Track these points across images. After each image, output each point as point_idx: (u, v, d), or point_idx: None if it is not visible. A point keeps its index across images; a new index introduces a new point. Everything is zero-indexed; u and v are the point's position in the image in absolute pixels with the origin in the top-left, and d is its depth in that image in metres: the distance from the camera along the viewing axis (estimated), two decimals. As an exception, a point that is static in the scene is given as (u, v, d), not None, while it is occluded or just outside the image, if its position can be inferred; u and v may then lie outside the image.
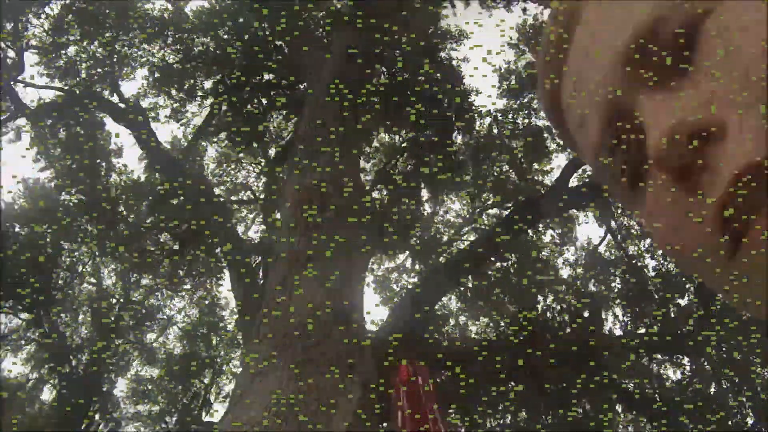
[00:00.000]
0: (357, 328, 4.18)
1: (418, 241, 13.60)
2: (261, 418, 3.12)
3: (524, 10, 13.45)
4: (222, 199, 12.42)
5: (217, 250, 13.63)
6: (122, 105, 12.01)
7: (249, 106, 12.49)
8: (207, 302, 15.08)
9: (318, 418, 3.19)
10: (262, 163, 13.73)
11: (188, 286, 14.87)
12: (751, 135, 0.47)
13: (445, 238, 14.28)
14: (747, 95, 0.47)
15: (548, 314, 12.77)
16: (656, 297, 12.62)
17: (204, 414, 14.62)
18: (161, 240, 13.56)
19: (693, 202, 0.52)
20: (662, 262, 12.67)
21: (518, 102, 13.69)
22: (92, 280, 14.23)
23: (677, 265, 0.65)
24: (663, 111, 0.54)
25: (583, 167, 12.38)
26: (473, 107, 12.79)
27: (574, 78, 0.64)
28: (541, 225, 13.37)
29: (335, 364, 3.67)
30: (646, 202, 0.58)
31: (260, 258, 10.87)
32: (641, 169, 0.57)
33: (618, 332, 12.78)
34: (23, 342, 14.08)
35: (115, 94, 12.14)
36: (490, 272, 13.19)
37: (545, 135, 13.53)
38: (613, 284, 13.53)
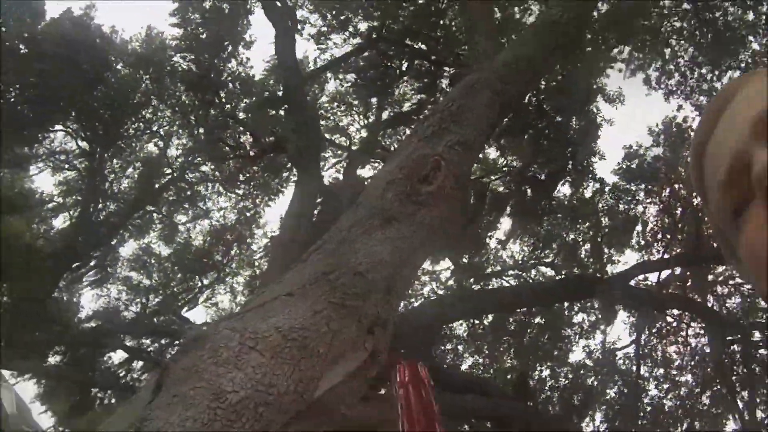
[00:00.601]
0: (393, 305, 4.06)
1: (466, 259, 13.57)
2: (271, 329, 2.97)
3: (679, 107, 13.46)
4: (319, 131, 12.36)
5: (286, 174, 13.76)
6: (278, 2, 12.01)
7: (389, 63, 12.49)
8: (248, 214, 15.12)
9: (319, 358, 3.10)
10: (370, 119, 13.71)
11: (240, 192, 14.93)
12: None
13: (489, 269, 14.14)
14: None
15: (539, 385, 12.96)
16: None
17: (185, 310, 14.71)
18: (242, 138, 13.63)
19: None
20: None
21: (629, 185, 13.59)
22: (160, 143, 14.31)
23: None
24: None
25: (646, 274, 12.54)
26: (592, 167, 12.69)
27: (719, 140, 0.73)
28: (578, 305, 13.50)
29: (360, 323, 3.54)
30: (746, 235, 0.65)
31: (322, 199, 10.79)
32: (745, 204, 0.65)
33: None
34: (67, 166, 14.17)
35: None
36: (511, 319, 13.32)
37: (637, 228, 13.45)
38: (608, 390, 13.52)
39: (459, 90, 5.95)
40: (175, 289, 14.80)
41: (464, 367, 13.46)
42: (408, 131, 12.70)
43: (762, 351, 12.63)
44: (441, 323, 10.63)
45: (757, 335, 12.54)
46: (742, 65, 12.04)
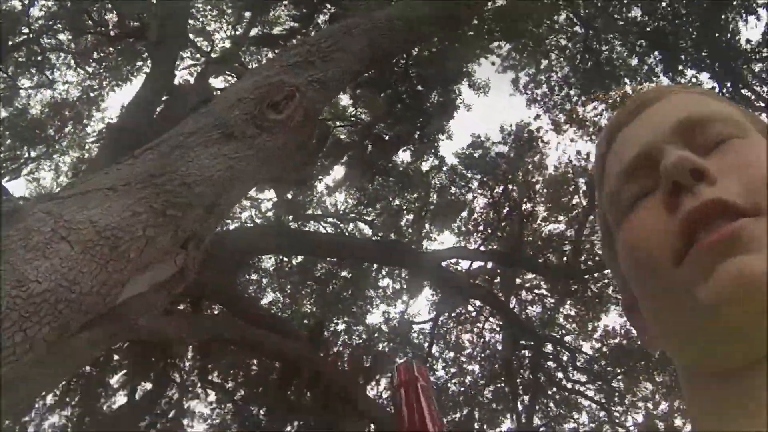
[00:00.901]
0: (212, 224, 3.95)
1: (291, 195, 13.52)
2: (86, 222, 2.76)
3: (537, 116, 13.92)
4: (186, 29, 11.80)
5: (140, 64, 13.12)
6: None
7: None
8: (92, 94, 14.39)
9: (129, 263, 2.95)
10: (238, 32, 13.30)
11: (90, 69, 14.12)
12: (731, 189, 0.61)
13: (310, 211, 14.18)
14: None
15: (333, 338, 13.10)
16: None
17: (7, 179, 13.79)
18: (107, 15, 12.88)
19: (670, 216, 0.64)
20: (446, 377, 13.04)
21: (466, 171, 13.99)
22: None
23: (637, 268, 0.70)
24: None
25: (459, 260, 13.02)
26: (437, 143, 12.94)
27: (631, 133, 0.79)
28: (386, 269, 13.80)
29: (176, 235, 3.40)
30: (633, 221, 0.71)
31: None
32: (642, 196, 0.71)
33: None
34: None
35: None
36: (319, 266, 13.39)
37: (463, 214, 13.92)
38: (397, 359, 13.85)
39: (335, 30, 5.85)
40: (1, 155, 13.80)
41: (265, 301, 13.46)
42: (271, 55, 12.40)
43: (550, 363, 13.48)
44: (253, 252, 10.51)
45: (549, 348, 13.38)
46: (609, 101, 12.65)
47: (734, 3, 10.43)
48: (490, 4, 9.67)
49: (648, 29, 10.91)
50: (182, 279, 3.43)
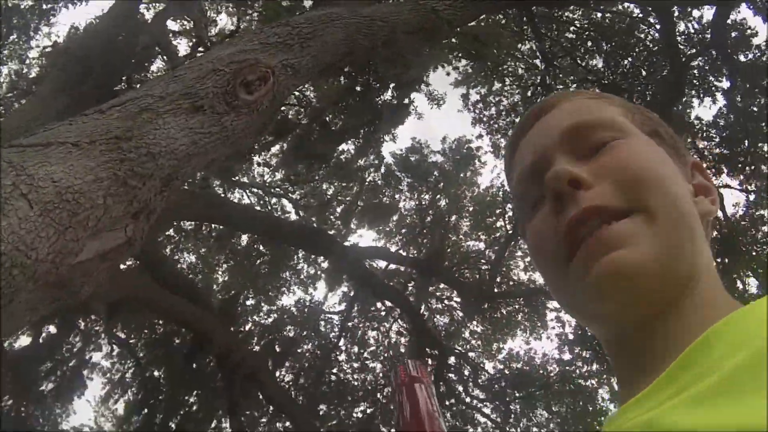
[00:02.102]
0: (165, 197, 3.83)
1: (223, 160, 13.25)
2: (48, 180, 2.60)
3: (480, 136, 13.90)
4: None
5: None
6: None
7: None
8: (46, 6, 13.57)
9: (85, 231, 2.80)
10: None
11: None
12: (605, 192, 0.73)
13: (237, 178, 13.92)
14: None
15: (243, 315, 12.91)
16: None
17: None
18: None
19: (558, 219, 0.75)
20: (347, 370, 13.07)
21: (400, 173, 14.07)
22: None
23: (539, 266, 0.83)
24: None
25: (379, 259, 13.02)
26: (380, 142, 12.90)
27: (531, 140, 0.87)
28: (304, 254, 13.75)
29: (131, 205, 3.26)
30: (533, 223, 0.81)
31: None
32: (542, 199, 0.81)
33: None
34: None
35: None
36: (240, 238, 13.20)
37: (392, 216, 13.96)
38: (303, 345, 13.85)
39: (318, 15, 5.75)
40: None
41: (181, 265, 13.15)
42: (233, 8, 12.13)
43: (452, 375, 13.61)
44: (176, 217, 10.25)
45: (452, 360, 13.52)
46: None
47: (695, 83, 10.81)
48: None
49: (605, 81, 11.15)
50: (129, 250, 3.31)
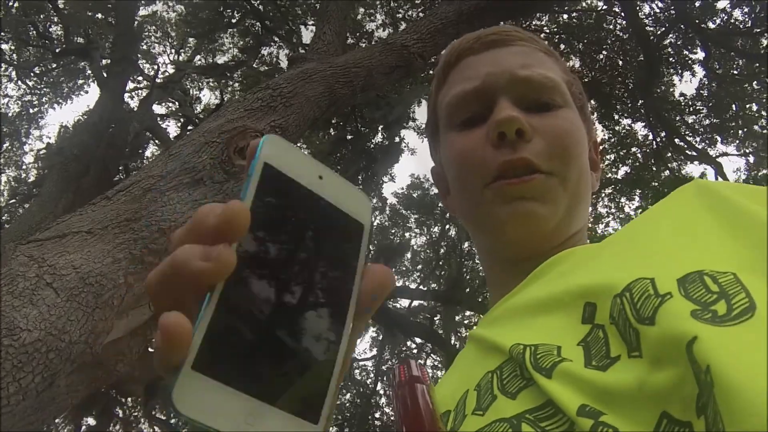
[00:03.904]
0: None
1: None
2: (69, 268, 2.75)
3: None
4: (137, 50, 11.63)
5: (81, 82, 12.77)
6: None
7: (222, 10, 12.13)
8: (31, 110, 13.96)
9: (112, 310, 2.94)
10: (183, 53, 13.17)
11: (30, 83, 13.77)
12: (539, 150, 0.83)
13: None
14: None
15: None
16: None
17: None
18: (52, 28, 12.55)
19: (491, 151, 0.84)
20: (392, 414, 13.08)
21: (405, 211, 14.10)
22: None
23: (457, 176, 0.91)
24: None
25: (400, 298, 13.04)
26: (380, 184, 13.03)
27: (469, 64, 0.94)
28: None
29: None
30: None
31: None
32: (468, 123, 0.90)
33: None
34: None
35: None
36: None
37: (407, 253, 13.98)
38: (341, 397, 13.68)
39: (295, 74, 5.90)
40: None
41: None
42: (214, 82, 12.36)
43: None
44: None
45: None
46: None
47: (671, 60, 10.92)
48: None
49: (585, 79, 11.28)
50: (156, 325, 3.42)
